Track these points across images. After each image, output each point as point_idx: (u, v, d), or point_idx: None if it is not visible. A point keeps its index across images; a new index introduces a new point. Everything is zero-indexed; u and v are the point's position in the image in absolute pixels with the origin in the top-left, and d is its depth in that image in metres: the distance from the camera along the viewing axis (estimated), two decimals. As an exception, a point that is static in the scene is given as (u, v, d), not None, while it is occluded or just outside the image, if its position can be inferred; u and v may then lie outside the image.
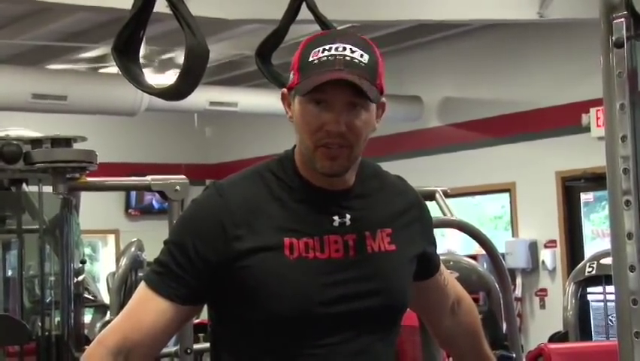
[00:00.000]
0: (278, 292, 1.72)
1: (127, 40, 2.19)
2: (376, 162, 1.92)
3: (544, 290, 8.94)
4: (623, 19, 1.72)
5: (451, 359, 3.53)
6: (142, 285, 1.77)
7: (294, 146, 1.83)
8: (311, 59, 1.73)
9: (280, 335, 1.74)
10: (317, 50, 1.73)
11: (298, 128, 1.76)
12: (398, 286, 1.83)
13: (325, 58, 1.72)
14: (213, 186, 1.80)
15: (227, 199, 1.76)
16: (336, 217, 1.78)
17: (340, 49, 1.72)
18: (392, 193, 1.89)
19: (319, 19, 2.54)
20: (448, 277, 2.08)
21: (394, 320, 1.86)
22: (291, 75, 1.77)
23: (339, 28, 3.46)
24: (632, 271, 1.73)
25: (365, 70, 1.72)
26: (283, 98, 1.82)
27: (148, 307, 1.74)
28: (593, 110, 8.20)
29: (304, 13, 2.54)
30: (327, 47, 1.73)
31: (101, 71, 9.79)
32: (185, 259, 1.74)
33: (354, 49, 1.73)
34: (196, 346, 3.51)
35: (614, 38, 1.74)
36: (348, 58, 1.72)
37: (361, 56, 1.73)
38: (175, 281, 1.74)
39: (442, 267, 2.04)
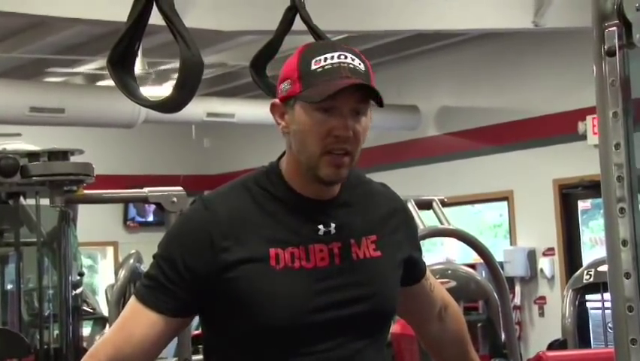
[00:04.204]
0: (266, 302, 1.73)
1: (122, 53, 2.20)
2: (375, 172, 1.93)
3: (542, 298, 8.93)
4: (615, 28, 1.72)
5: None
6: (132, 298, 1.80)
7: (279, 157, 1.85)
8: (313, 67, 1.75)
9: (270, 345, 1.76)
10: (318, 58, 1.76)
11: (302, 136, 1.76)
12: (385, 291, 1.84)
13: (330, 66, 1.74)
14: (200, 200, 1.82)
15: (214, 212, 1.78)
16: (321, 226, 1.79)
17: (343, 57, 1.76)
18: (376, 200, 1.91)
19: (313, 30, 2.55)
20: (435, 283, 2.10)
21: (383, 325, 1.88)
22: (286, 85, 1.78)
23: (335, 38, 3.48)
24: (628, 278, 1.73)
25: (366, 77, 1.76)
26: (274, 108, 1.82)
27: (138, 320, 1.77)
28: (589, 118, 8.19)
29: (298, 24, 2.56)
30: (328, 55, 1.76)
31: (98, 83, 9.81)
32: (174, 272, 1.75)
33: (353, 57, 1.77)
34: (194, 357, 3.52)
35: (606, 47, 1.74)
36: (351, 66, 1.75)
37: (359, 64, 1.77)
38: (164, 294, 1.76)
39: (429, 273, 2.07)
